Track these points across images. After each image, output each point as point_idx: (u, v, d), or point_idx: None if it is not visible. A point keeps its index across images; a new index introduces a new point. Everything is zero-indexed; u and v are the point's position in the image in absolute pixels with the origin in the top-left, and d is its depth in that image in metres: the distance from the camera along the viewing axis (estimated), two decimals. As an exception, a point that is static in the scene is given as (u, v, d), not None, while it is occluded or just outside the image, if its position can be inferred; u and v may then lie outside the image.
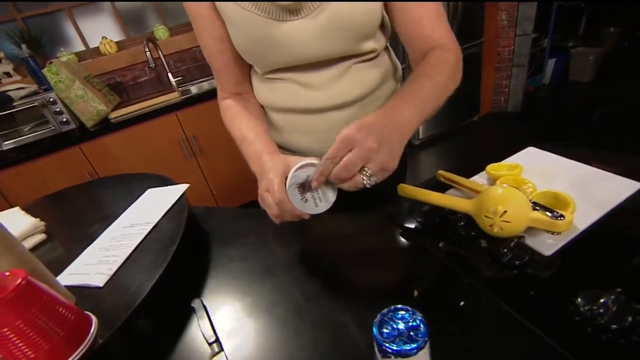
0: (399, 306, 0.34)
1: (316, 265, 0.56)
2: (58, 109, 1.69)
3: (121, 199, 0.80)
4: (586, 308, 0.39)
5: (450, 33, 0.59)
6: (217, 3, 0.56)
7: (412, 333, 0.31)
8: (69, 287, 0.50)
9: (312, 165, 0.46)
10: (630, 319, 0.37)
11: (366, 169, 0.43)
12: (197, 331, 0.47)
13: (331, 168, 0.44)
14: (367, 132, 0.42)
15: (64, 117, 1.72)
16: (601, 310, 0.38)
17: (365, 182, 0.44)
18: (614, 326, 0.37)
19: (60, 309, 0.41)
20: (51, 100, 1.67)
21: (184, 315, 0.50)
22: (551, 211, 0.47)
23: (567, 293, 0.41)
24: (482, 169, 0.66)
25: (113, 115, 1.76)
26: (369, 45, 0.60)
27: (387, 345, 0.31)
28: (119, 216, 0.70)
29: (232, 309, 0.50)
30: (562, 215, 0.46)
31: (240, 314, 0.49)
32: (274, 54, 0.57)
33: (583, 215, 0.50)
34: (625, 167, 0.58)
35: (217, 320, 0.48)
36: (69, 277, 0.54)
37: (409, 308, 0.34)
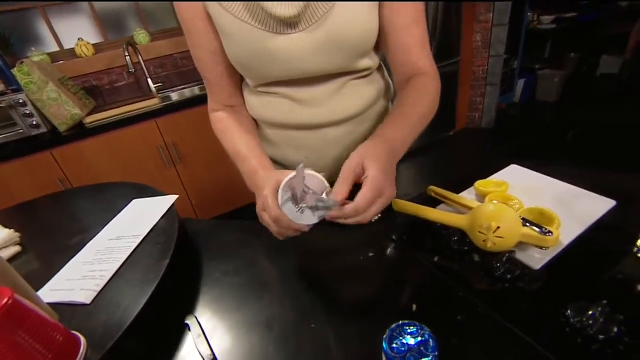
0: (407, 322, 0.35)
1: (312, 279, 0.56)
2: (28, 112, 1.60)
3: (102, 209, 0.76)
4: (576, 320, 0.41)
5: (433, 62, 0.63)
6: (213, 14, 0.55)
7: (422, 348, 0.32)
8: (51, 305, 0.47)
9: (302, 175, 0.46)
10: (616, 329, 0.40)
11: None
12: (194, 349, 0.45)
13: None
14: (388, 177, 0.46)
15: (34, 120, 1.63)
16: (590, 322, 0.40)
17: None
18: (602, 337, 0.40)
19: (48, 329, 0.38)
20: (20, 101, 1.57)
21: (179, 333, 0.48)
22: (540, 227, 0.50)
23: (557, 305, 0.44)
24: (470, 185, 0.69)
25: (88, 120, 1.69)
26: (364, 62, 0.61)
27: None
28: (101, 228, 0.67)
29: (229, 326, 0.49)
30: (550, 232, 0.48)
31: (238, 330, 0.48)
32: (270, 67, 0.57)
33: (566, 231, 0.53)
34: (600, 184, 0.62)
35: (214, 337, 0.47)
36: (51, 293, 0.51)
37: (417, 323, 0.34)
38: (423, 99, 0.59)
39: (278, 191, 0.47)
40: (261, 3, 0.51)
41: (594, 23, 3.25)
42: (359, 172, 0.46)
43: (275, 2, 0.51)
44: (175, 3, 0.58)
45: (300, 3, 0.51)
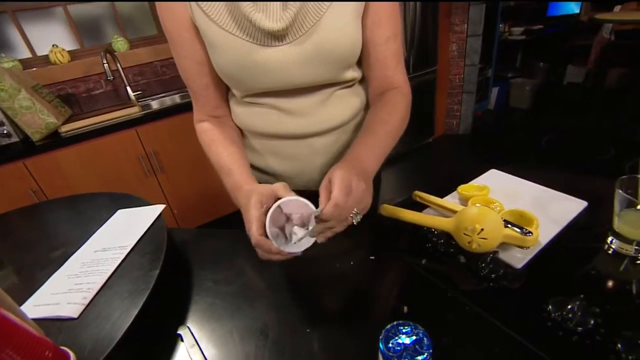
0: (402, 322, 0.36)
1: (304, 286, 0.56)
2: (-2, 120, 1.53)
3: (83, 220, 0.74)
4: (557, 314, 0.44)
5: (406, 77, 0.65)
6: (200, 26, 0.55)
7: (417, 346, 0.33)
8: (36, 320, 0.45)
9: (291, 201, 0.47)
10: (592, 322, 0.42)
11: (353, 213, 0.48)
12: (188, 360, 0.45)
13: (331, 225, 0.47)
14: (351, 198, 0.47)
15: (5, 129, 1.56)
16: (569, 316, 0.43)
17: (353, 221, 0.49)
18: (580, 329, 0.42)
19: (37, 346, 0.37)
20: (-10, 110, 1.51)
21: (171, 344, 0.47)
22: (520, 228, 0.52)
23: (538, 301, 0.46)
24: (453, 189, 0.72)
25: (64, 128, 1.63)
26: (349, 74, 0.62)
27: (395, 359, 0.32)
28: (84, 240, 0.65)
29: (222, 334, 0.48)
30: (530, 232, 0.51)
31: (231, 339, 0.47)
32: (257, 78, 0.57)
33: (544, 231, 0.56)
34: (573, 186, 0.67)
35: (207, 347, 0.46)
36: (34, 308, 0.49)
37: (411, 323, 0.36)
38: (392, 116, 0.61)
39: (263, 208, 0.47)
40: (249, 16, 0.51)
41: (558, 35, 3.46)
42: (329, 188, 0.47)
43: (263, 15, 0.52)
44: (160, 14, 0.57)
45: (288, 16, 0.52)
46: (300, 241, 0.47)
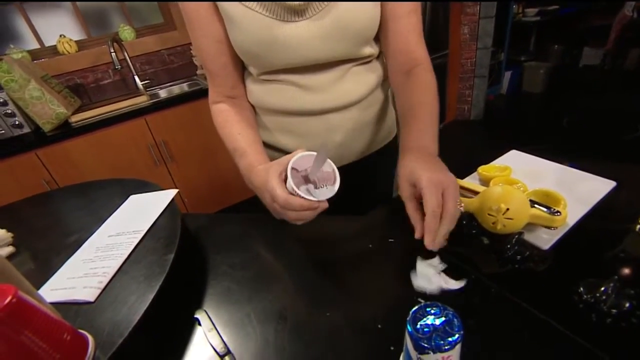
0: (429, 302, 0.34)
1: (322, 269, 0.55)
2: (10, 111, 1.54)
3: (96, 207, 0.74)
4: (589, 296, 0.42)
5: (427, 52, 0.64)
6: (220, 3, 0.54)
7: (447, 328, 0.32)
8: (52, 304, 0.44)
9: (307, 155, 0.47)
10: (627, 304, 0.40)
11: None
12: (206, 344, 0.44)
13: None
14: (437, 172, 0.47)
15: (17, 120, 1.57)
16: (603, 298, 0.41)
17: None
18: (614, 311, 0.40)
19: (55, 328, 0.36)
20: (1, 100, 1.51)
21: (189, 328, 0.47)
22: (548, 207, 0.50)
23: (568, 283, 0.44)
24: (472, 171, 0.69)
25: (74, 118, 1.63)
26: (367, 49, 0.62)
27: (425, 341, 0.31)
28: (98, 226, 0.64)
29: (240, 318, 0.47)
30: (558, 211, 0.49)
31: (249, 323, 0.46)
32: (276, 54, 0.57)
33: (571, 212, 0.53)
34: (599, 167, 0.64)
35: (225, 331, 0.46)
36: (51, 292, 0.48)
37: (439, 304, 0.34)
38: (429, 96, 0.61)
39: (283, 176, 0.47)
40: None
41: (575, 15, 3.33)
42: (412, 180, 0.48)
43: None
44: None
45: None
46: (325, 188, 0.47)
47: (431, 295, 0.45)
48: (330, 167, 0.48)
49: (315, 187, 0.48)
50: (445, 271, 0.48)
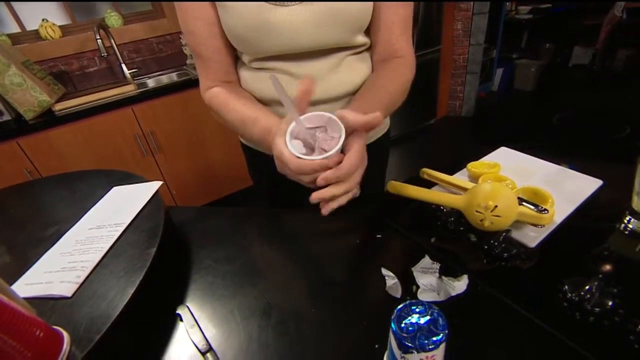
0: (414, 301, 0.34)
1: (308, 264, 0.54)
2: (-11, 98, 1.48)
3: (78, 198, 0.71)
4: (574, 294, 0.42)
5: (411, 48, 0.63)
6: None
7: (431, 327, 0.31)
8: (27, 299, 0.43)
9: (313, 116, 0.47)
10: (610, 303, 0.41)
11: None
12: (187, 341, 0.43)
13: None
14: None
15: (-4, 108, 1.51)
16: (587, 296, 0.41)
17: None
18: (598, 309, 0.40)
19: (26, 325, 0.35)
20: (-20, 87, 1.45)
21: (170, 324, 0.45)
22: (535, 205, 0.50)
23: (553, 281, 0.44)
24: (461, 167, 0.69)
25: (58, 107, 1.58)
26: (360, 38, 0.61)
27: (409, 340, 0.30)
28: (78, 217, 0.62)
29: (223, 314, 0.46)
30: (545, 209, 0.49)
31: (233, 319, 0.46)
32: (268, 40, 0.55)
33: (558, 210, 0.53)
34: (587, 165, 0.64)
35: (208, 327, 0.45)
36: (26, 287, 0.46)
37: (425, 302, 0.34)
38: (393, 84, 0.59)
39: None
40: None
41: (567, 14, 3.35)
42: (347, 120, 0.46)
43: None
44: None
45: None
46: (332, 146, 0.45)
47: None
48: (338, 133, 0.46)
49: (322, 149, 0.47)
50: (442, 272, 0.47)
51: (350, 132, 0.46)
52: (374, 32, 0.62)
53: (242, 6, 0.52)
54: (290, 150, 0.45)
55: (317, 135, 0.47)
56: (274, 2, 0.52)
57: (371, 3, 0.57)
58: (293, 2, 0.53)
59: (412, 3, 0.61)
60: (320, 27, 0.54)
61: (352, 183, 0.46)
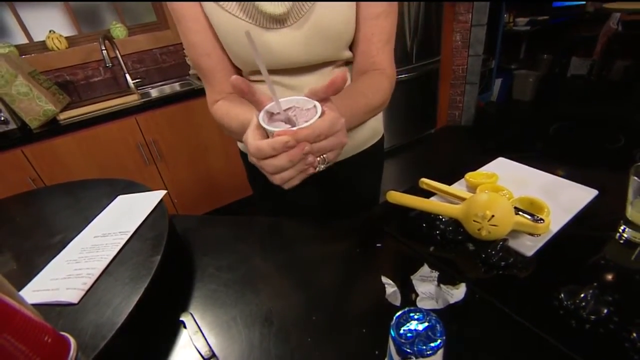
0: (413, 308, 0.35)
1: (309, 273, 0.55)
2: (-5, 107, 1.51)
3: (83, 207, 0.73)
4: (569, 302, 0.43)
5: (392, 61, 0.63)
6: (209, 13, 0.56)
7: (429, 333, 0.32)
8: (34, 306, 0.44)
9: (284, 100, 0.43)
10: (605, 310, 0.41)
11: (325, 156, 0.42)
12: (191, 347, 0.44)
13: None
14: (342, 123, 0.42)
15: (2, 116, 1.54)
16: (583, 304, 0.42)
17: (317, 167, 0.43)
18: (593, 317, 0.41)
19: (35, 330, 0.36)
20: (-13, 96, 1.48)
21: (174, 331, 0.46)
22: (532, 215, 0.51)
23: (549, 289, 0.45)
24: (459, 177, 0.70)
25: (63, 116, 1.60)
26: (346, 53, 0.63)
27: (407, 346, 0.31)
28: (84, 226, 0.63)
29: (226, 322, 0.47)
30: (541, 219, 0.50)
31: (235, 326, 0.46)
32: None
33: (555, 219, 0.55)
34: (583, 175, 0.65)
35: (211, 334, 0.45)
36: (33, 293, 0.47)
37: (423, 309, 0.35)
38: (373, 94, 0.58)
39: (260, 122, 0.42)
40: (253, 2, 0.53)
41: (565, 26, 3.41)
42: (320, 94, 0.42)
43: (266, 2, 0.53)
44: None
45: (288, 2, 0.54)
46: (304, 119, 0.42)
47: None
48: (312, 104, 0.43)
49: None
50: (441, 280, 0.48)
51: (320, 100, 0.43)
52: (354, 44, 0.63)
53: (234, 29, 0.55)
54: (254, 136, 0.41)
55: (294, 112, 0.44)
56: (263, 27, 0.55)
57: (353, 18, 0.58)
58: (282, 26, 0.56)
59: (394, 17, 0.61)
60: (308, 47, 0.58)
61: (322, 146, 0.41)
